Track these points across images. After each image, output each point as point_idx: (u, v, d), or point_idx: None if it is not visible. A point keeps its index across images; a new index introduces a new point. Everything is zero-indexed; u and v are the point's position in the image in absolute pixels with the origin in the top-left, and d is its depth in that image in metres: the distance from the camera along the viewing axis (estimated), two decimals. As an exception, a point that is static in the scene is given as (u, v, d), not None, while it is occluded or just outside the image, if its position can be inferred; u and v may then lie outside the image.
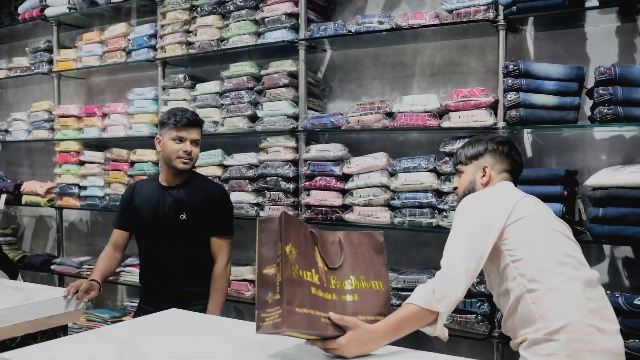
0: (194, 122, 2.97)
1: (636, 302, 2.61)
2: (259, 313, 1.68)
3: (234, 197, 3.86)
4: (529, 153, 3.27)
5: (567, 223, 2.79)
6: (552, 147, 3.23)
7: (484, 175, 2.25)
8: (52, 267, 4.86)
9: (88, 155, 4.69)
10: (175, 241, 2.98)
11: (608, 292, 2.77)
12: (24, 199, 5.07)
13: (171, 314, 2.36)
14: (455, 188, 2.40)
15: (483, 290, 3.04)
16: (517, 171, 2.30)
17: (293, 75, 3.76)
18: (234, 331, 2.10)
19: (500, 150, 2.26)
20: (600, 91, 2.74)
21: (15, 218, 5.82)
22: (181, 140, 2.94)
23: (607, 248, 3.08)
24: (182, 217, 2.97)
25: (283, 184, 3.70)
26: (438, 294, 1.83)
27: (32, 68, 5.09)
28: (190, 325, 2.19)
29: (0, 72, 5.37)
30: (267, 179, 3.76)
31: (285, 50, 3.81)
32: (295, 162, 3.73)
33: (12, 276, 3.37)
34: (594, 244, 2.98)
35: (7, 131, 5.29)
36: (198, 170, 4.03)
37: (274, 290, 1.66)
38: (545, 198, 2.82)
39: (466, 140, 2.48)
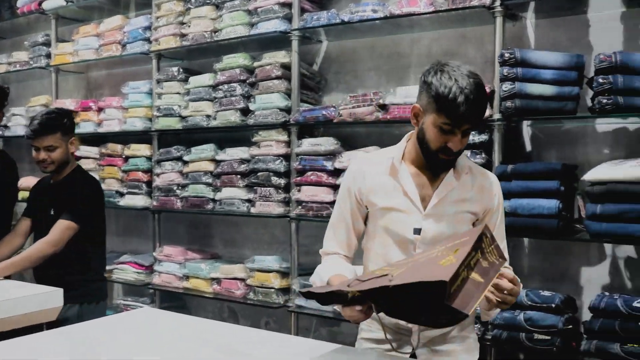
0: (42, 130, 2.90)
1: (635, 304, 2.43)
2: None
3: (226, 193, 3.76)
4: (528, 147, 3.10)
5: (565, 220, 2.67)
6: (553, 141, 3.05)
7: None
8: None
9: (84, 150, 4.61)
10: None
11: (606, 293, 2.61)
12: (21, 194, 5.00)
13: (145, 313, 2.25)
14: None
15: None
16: None
17: (286, 67, 3.63)
18: (208, 334, 1.95)
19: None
20: (600, 80, 2.57)
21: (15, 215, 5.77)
22: (37, 149, 2.94)
23: (608, 247, 2.89)
24: (51, 213, 2.97)
25: (274, 180, 3.57)
26: None
27: (31, 62, 5.04)
28: (165, 325, 2.06)
29: (1, 66, 5.33)
30: (259, 174, 3.63)
31: (279, 41, 3.68)
32: (287, 157, 3.59)
33: None
34: (593, 242, 2.81)
35: (6, 126, 5.24)
36: (189, 166, 3.96)
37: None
38: (541, 193, 2.68)
39: None
